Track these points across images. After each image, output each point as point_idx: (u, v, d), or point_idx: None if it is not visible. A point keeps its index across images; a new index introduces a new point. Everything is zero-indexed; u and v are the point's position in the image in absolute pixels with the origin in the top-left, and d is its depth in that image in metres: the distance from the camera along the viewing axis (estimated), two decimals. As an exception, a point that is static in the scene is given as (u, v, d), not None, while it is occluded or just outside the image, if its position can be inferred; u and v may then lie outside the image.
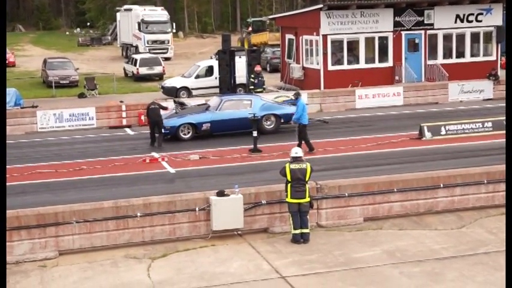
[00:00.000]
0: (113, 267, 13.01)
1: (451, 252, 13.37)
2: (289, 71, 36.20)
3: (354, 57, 33.83)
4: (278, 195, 14.59)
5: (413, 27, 33.85)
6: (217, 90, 32.68)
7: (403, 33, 33.81)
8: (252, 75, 30.38)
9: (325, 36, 33.01)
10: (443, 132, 23.31)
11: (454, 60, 34.62)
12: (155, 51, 51.16)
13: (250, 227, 14.52)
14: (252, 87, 29.93)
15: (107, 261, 13.26)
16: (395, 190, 15.32)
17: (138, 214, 13.94)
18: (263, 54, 43.34)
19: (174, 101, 27.13)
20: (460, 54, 34.83)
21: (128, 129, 27.02)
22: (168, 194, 15.15)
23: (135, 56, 45.02)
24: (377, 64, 33.84)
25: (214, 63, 34.49)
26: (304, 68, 35.20)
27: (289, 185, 13.98)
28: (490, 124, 23.61)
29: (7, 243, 13.18)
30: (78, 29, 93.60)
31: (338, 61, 33.61)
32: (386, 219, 15.20)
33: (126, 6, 63.44)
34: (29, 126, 26.87)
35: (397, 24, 33.61)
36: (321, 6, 32.67)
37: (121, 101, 29.17)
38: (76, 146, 23.98)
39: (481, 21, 34.53)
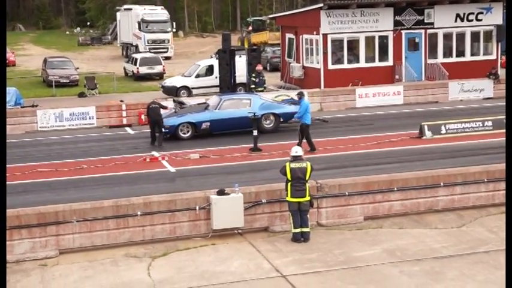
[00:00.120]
0: (113, 266, 13.02)
1: (451, 251, 13.38)
2: (289, 70, 36.21)
3: (354, 56, 33.83)
4: (278, 194, 14.60)
5: (413, 26, 33.84)
6: (217, 89, 32.68)
7: (403, 32, 33.81)
8: (253, 74, 30.40)
9: (325, 36, 33.01)
10: (443, 131, 23.32)
11: (454, 59, 34.61)
12: (155, 51, 51.17)
13: (250, 226, 14.53)
14: (253, 86, 29.95)
15: (107, 260, 13.27)
16: (395, 189, 15.33)
17: (139, 213, 13.95)
18: (263, 53, 43.34)
19: (174, 100, 27.15)
20: (460, 53, 34.82)
21: (128, 129, 27.03)
22: (169, 193, 15.15)
23: (135, 56, 45.03)
24: (377, 63, 33.85)
25: (215, 62, 34.47)
26: (304, 67, 35.20)
27: (289, 184, 13.99)
28: (490, 123, 23.62)
29: (8, 242, 13.20)
30: (78, 29, 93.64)
31: (338, 60, 33.61)
32: (387, 218, 15.21)
33: (126, 6, 63.49)
34: (29, 125, 26.88)
35: (397, 23, 33.61)
36: (321, 5, 32.63)
37: (121, 100, 29.19)
38: (76, 145, 23.99)
39: (481, 20, 34.52)
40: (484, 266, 12.57)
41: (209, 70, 35.12)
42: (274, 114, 24.78)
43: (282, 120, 24.83)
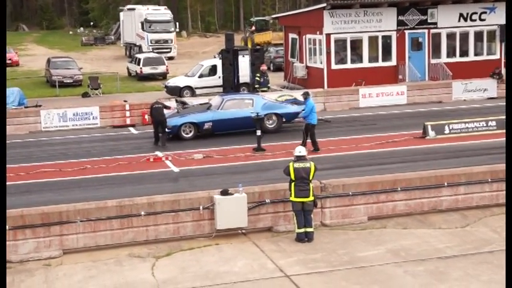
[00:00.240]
0: (117, 266, 13.02)
1: (456, 251, 13.36)
2: (292, 70, 36.19)
3: (357, 56, 33.81)
4: (282, 194, 14.60)
5: (416, 26, 33.82)
6: (220, 89, 32.67)
7: (406, 32, 33.78)
8: (258, 74, 30.41)
9: (328, 35, 33.01)
10: (447, 131, 23.29)
11: (457, 59, 34.56)
12: (158, 51, 51.19)
13: (254, 226, 14.52)
14: (258, 85, 29.95)
15: (111, 260, 13.28)
16: (399, 189, 15.32)
17: (142, 213, 13.96)
18: (266, 53, 43.35)
19: (176, 100, 27.16)
20: (464, 53, 34.79)
21: (131, 129, 27.05)
22: (172, 193, 15.15)
23: (139, 56, 45.08)
24: (380, 63, 33.82)
25: (218, 62, 34.48)
26: (307, 67, 35.19)
27: (293, 183, 13.98)
28: (494, 123, 23.59)
29: (12, 242, 13.24)
30: (82, 29, 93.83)
31: (341, 60, 33.59)
32: (391, 218, 15.20)
33: (129, 6, 63.59)
34: (32, 125, 26.91)
35: (400, 23, 33.58)
36: (324, 5, 32.61)
37: (125, 100, 29.22)
38: (80, 146, 24.01)
39: (484, 20, 34.49)
40: (488, 266, 12.56)
41: (212, 70, 35.14)
42: (276, 114, 24.75)
43: (284, 120, 24.82)
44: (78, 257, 13.41)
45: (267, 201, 14.58)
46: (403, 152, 21.35)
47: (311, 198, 13.99)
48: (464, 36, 34.61)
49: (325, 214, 14.92)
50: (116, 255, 13.49)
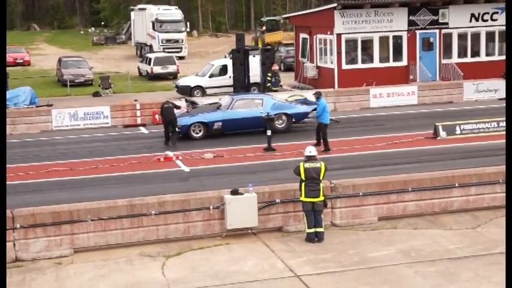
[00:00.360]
0: (127, 265, 13.06)
1: (466, 252, 13.32)
2: (303, 70, 36.17)
3: (368, 56, 33.75)
4: (292, 194, 14.59)
5: (427, 26, 33.72)
6: (231, 89, 32.71)
7: (417, 32, 33.69)
8: (269, 74, 30.43)
9: (339, 35, 32.96)
10: (458, 131, 23.21)
11: (469, 59, 34.43)
12: (169, 50, 51.24)
13: (264, 226, 14.52)
14: (269, 85, 29.95)
15: (122, 259, 13.31)
16: (409, 189, 15.28)
17: (153, 212, 13.99)
18: (277, 53, 43.31)
19: (186, 100, 27.20)
20: (475, 53, 34.66)
21: (142, 128, 27.11)
22: (183, 193, 15.18)
23: (150, 55, 45.15)
24: (391, 63, 33.75)
25: (228, 62, 34.52)
26: (318, 67, 35.16)
27: (303, 183, 13.97)
28: (505, 123, 23.46)
29: (23, 241, 13.31)
30: (93, 28, 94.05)
31: (352, 60, 33.54)
32: (401, 219, 15.16)
33: (140, 6, 63.68)
34: (44, 124, 26.99)
35: (411, 23, 33.49)
36: (335, 5, 32.58)
37: (135, 100, 29.29)
38: (91, 145, 24.07)
39: (496, 20, 34.32)
40: (500, 267, 12.47)
41: (223, 70, 35.15)
42: (286, 114, 24.72)
43: (294, 120, 24.80)
44: (88, 256, 13.46)
45: (277, 201, 14.58)
46: (414, 152, 21.29)
47: (321, 198, 13.98)
48: (476, 37, 34.48)
49: (335, 214, 14.90)
50: (126, 254, 13.52)
